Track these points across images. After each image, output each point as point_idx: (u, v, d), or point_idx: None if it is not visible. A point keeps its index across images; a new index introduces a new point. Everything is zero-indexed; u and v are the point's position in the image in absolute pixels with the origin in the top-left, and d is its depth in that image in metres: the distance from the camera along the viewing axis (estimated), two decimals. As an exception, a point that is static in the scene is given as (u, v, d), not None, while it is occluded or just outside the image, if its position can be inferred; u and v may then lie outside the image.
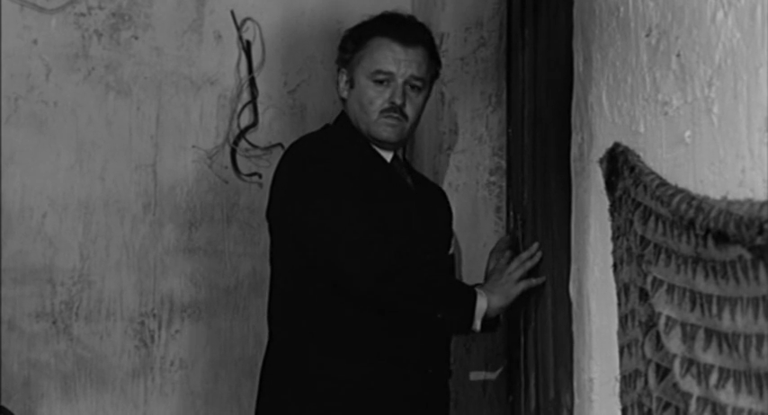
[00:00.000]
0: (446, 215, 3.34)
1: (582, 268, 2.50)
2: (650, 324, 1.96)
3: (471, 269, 3.66)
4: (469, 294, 3.10)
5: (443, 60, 3.70)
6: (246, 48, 4.06)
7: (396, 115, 3.12)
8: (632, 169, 2.09)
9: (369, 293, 3.03)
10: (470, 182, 3.71)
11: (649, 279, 1.95)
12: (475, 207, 3.64)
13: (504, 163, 3.71)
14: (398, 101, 3.11)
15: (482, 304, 3.09)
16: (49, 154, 3.92)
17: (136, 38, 4.02)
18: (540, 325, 3.31)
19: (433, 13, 3.84)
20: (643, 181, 2.01)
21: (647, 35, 2.09)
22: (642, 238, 2.00)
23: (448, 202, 3.40)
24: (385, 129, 3.13)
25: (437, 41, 3.72)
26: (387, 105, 3.12)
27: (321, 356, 3.06)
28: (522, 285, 3.16)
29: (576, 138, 2.59)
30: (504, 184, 3.70)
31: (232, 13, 4.06)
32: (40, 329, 3.89)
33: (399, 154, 3.27)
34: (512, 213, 3.65)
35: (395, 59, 3.12)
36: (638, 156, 2.11)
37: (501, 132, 3.72)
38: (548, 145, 3.25)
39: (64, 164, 3.94)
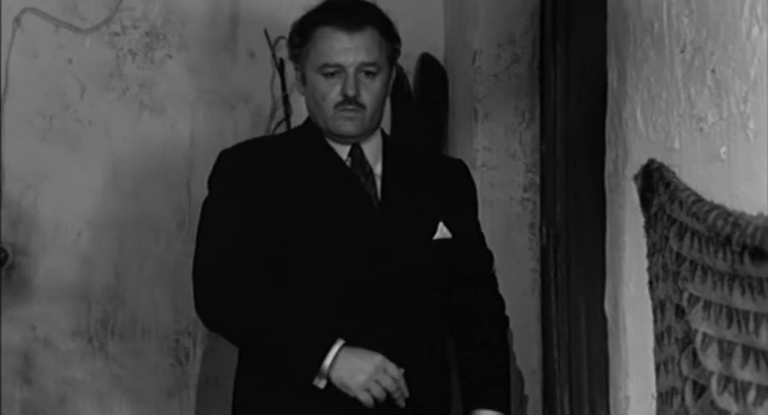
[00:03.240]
0: (437, 197, 3.02)
1: (617, 284, 2.49)
2: (687, 341, 1.95)
3: (506, 285, 3.65)
4: (312, 354, 2.74)
5: (476, 77, 3.71)
6: (280, 66, 4.08)
7: (351, 107, 2.89)
8: (667, 185, 2.08)
9: (203, 317, 2.90)
10: (504, 199, 3.70)
11: (685, 296, 1.94)
12: (509, 224, 3.64)
13: (537, 180, 3.70)
14: (351, 93, 2.87)
15: (326, 368, 2.73)
16: (84, 172, 3.94)
17: (170, 57, 4.04)
18: (575, 341, 3.30)
19: (466, 30, 3.84)
20: (678, 197, 2.00)
21: (682, 51, 2.08)
22: (678, 254, 1.99)
23: (455, 180, 3.12)
24: (343, 124, 2.91)
25: (470, 57, 3.72)
26: (340, 98, 2.88)
27: (247, 372, 2.95)
28: (370, 383, 2.75)
29: (610, 154, 2.58)
30: (537, 200, 3.70)
31: (265, 31, 4.07)
32: (76, 347, 3.91)
33: (371, 145, 3.01)
34: (545, 229, 3.64)
35: (341, 49, 2.88)
36: (674, 172, 2.10)
37: (534, 148, 3.71)
38: (581, 160, 3.24)
39: (98, 183, 3.96)
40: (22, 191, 3.95)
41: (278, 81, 4.09)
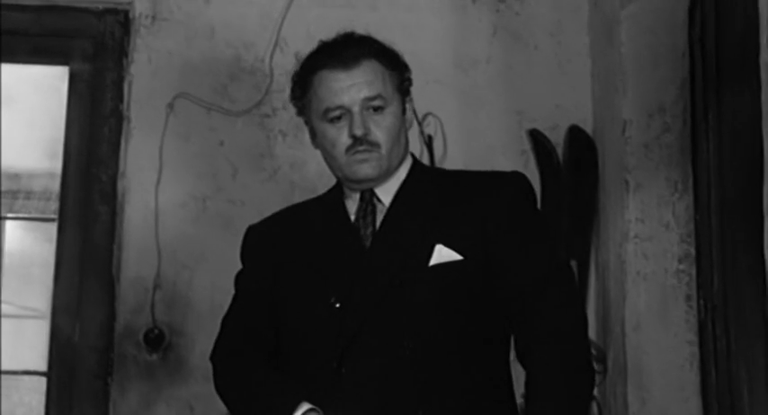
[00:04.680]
0: (440, 218, 2.62)
1: (781, 357, 2.43)
2: None
3: (663, 359, 3.58)
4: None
5: (626, 147, 3.67)
6: (428, 142, 4.09)
7: (363, 148, 2.60)
8: (831, 254, 2.03)
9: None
10: (659, 270, 3.64)
11: None
12: (664, 296, 3.57)
13: (692, 251, 3.64)
14: (359, 132, 2.58)
15: None
16: (238, 252, 3.99)
17: (320, 136, 4.08)
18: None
19: (614, 99, 3.82)
20: (843, 266, 1.95)
21: (841, 116, 2.04)
22: None
23: (483, 192, 2.65)
24: (359, 167, 2.62)
25: (619, 128, 3.69)
26: (349, 141, 2.60)
27: None
28: None
29: (768, 224, 2.53)
30: (693, 272, 3.62)
31: (413, 108, 4.10)
32: (232, 427, 3.93)
33: (390, 185, 2.69)
34: (702, 301, 3.57)
35: (340, 89, 2.61)
36: (837, 241, 2.05)
37: (688, 219, 3.65)
38: (738, 230, 3.18)
39: (252, 262, 4.00)
40: (177, 272, 4.02)
41: (426, 156, 4.11)
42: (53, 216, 4.29)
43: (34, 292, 7.44)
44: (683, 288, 3.64)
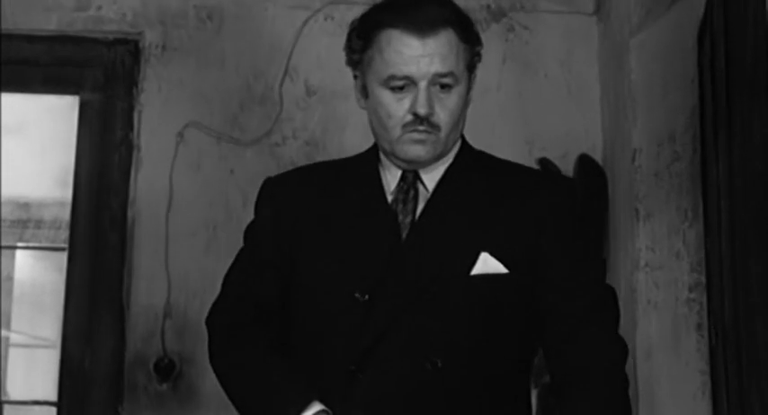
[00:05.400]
0: (489, 222, 2.38)
1: (793, 386, 2.42)
2: None
3: (674, 388, 3.57)
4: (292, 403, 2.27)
5: (637, 176, 3.67)
6: (439, 170, 4.10)
7: (422, 128, 2.35)
8: (842, 283, 2.02)
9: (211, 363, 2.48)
10: (669, 299, 3.63)
11: None
12: (675, 325, 3.56)
13: (703, 279, 3.63)
14: (423, 111, 2.33)
15: None
16: (248, 281, 4.00)
17: (329, 165, 4.09)
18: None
19: (624, 127, 3.82)
20: None
21: None
22: None
23: (536, 199, 2.42)
24: (412, 147, 2.37)
25: (629, 156, 3.69)
26: (409, 117, 2.35)
27: None
28: None
29: (779, 252, 2.52)
30: (704, 301, 3.62)
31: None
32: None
33: (438, 171, 2.45)
34: (713, 329, 3.56)
35: (411, 57, 2.33)
36: None
37: (699, 247, 3.64)
38: (749, 258, 3.17)
39: (262, 291, 4.01)
40: (188, 300, 4.02)
41: (436, 185, 4.11)
42: (63, 245, 4.30)
43: (45, 321, 7.45)
44: (694, 317, 3.63)
